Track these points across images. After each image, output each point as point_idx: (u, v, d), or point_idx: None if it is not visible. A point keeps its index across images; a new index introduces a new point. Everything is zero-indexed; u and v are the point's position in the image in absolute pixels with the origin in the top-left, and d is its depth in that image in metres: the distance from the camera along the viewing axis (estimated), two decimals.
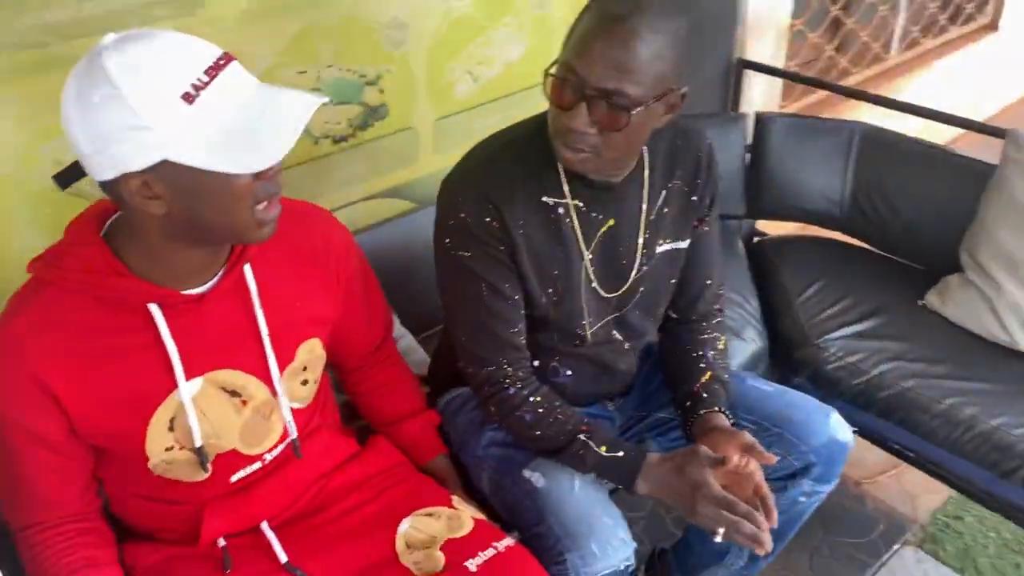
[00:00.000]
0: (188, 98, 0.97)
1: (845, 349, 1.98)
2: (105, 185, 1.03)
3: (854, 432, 1.95)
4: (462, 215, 1.32)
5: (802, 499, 1.54)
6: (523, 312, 1.40)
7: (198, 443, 1.20)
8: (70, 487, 1.22)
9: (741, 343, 2.00)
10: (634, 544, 1.36)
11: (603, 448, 1.34)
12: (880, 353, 1.95)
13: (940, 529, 2.16)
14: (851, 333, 2.02)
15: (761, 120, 2.35)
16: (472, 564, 1.26)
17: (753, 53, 2.77)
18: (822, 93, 3.08)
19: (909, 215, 2.22)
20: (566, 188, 1.36)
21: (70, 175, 1.05)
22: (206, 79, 0.99)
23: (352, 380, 1.53)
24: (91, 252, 1.09)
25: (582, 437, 1.35)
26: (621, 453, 1.34)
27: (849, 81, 3.44)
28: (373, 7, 1.83)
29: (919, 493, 2.25)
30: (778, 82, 2.96)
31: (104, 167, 0.99)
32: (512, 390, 1.38)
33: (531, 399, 1.38)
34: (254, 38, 1.68)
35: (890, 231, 2.26)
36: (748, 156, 2.39)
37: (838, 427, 1.49)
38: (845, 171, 2.30)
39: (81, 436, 1.16)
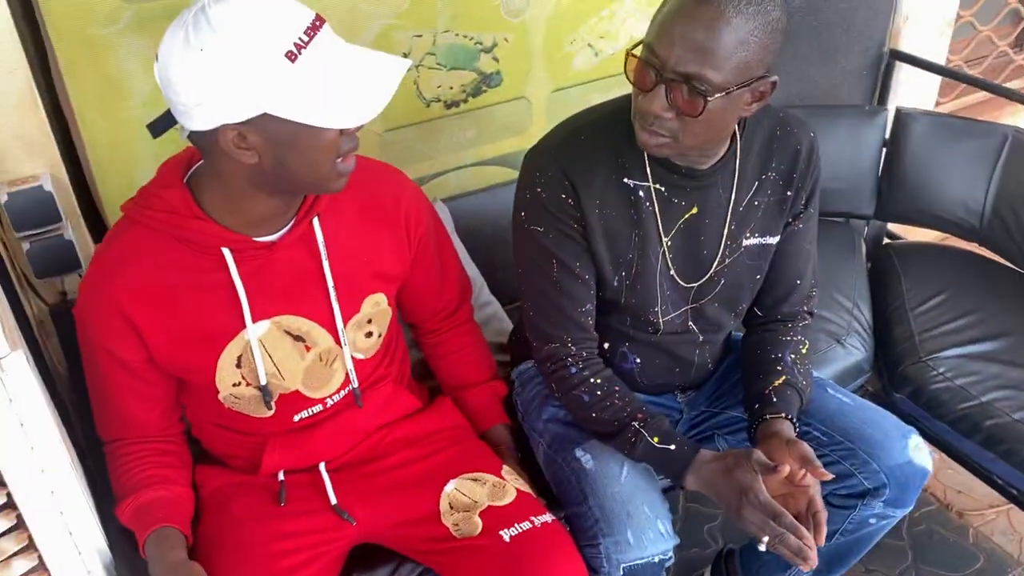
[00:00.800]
0: (291, 56, 1.03)
1: (956, 370, 1.85)
2: (196, 134, 1.09)
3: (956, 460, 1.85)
4: (538, 190, 1.32)
5: (872, 521, 1.46)
6: (593, 292, 1.39)
7: (263, 381, 1.28)
8: (152, 411, 1.33)
9: (841, 350, 1.91)
10: (674, 540, 1.34)
11: (655, 439, 1.32)
12: (994, 379, 1.81)
13: None
14: (966, 353, 1.88)
15: (901, 116, 2.19)
16: (506, 534, 1.28)
17: (910, 44, 2.58)
18: (985, 93, 2.83)
19: None
20: (648, 171, 1.33)
21: (162, 124, 1.13)
22: (306, 39, 1.04)
23: (427, 342, 1.58)
24: (173, 195, 1.17)
25: (636, 425, 1.33)
26: (673, 446, 1.31)
27: None
28: None
29: None
30: (937, 77, 2.74)
31: (203, 118, 1.05)
32: (574, 369, 1.38)
33: (591, 380, 1.38)
34: None
35: None
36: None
37: (917, 451, 1.40)
38: (990, 179, 2.12)
39: (159, 365, 1.26)
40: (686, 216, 1.37)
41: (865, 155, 2.24)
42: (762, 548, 1.23)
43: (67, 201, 1.57)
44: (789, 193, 1.40)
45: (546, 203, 1.32)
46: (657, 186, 1.34)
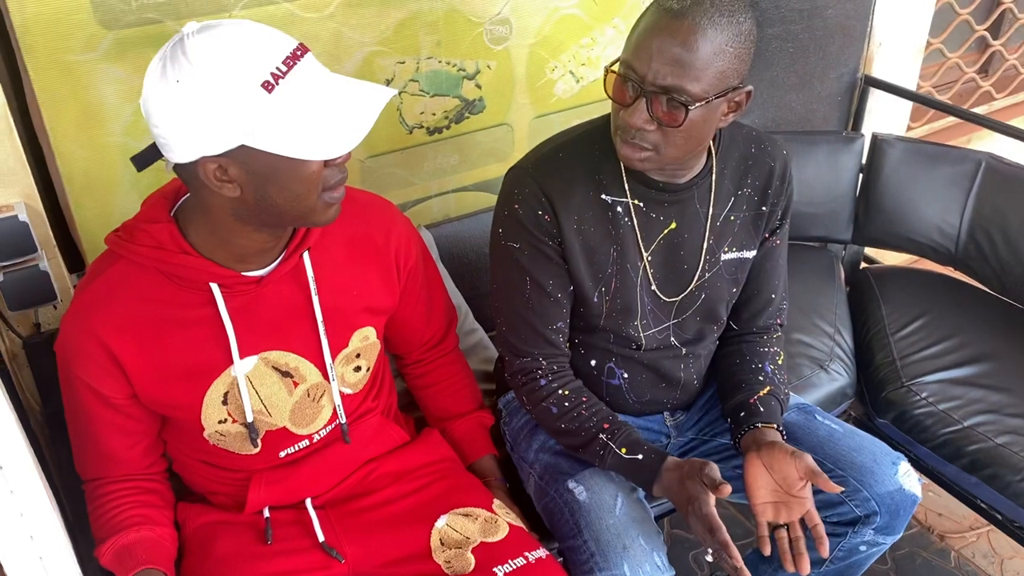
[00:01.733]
0: (268, 87, 1.00)
1: (938, 394, 1.86)
2: (179, 167, 1.07)
3: (939, 484, 1.86)
4: (516, 206, 1.33)
5: (862, 548, 1.46)
6: (566, 311, 1.40)
7: (249, 418, 1.25)
8: (134, 448, 1.29)
9: (825, 376, 1.91)
10: (670, 572, 1.33)
11: (623, 450, 1.34)
12: (976, 403, 1.83)
13: None
14: (948, 378, 1.90)
15: (877, 142, 2.22)
16: (500, 571, 1.26)
17: (882, 71, 2.62)
18: (954, 118, 2.88)
19: None
20: (626, 187, 1.35)
21: (147, 157, 1.10)
22: (284, 69, 1.02)
23: (412, 373, 1.55)
24: (160, 229, 1.14)
25: (603, 437, 1.36)
26: (640, 456, 1.33)
27: (993, 107, 3.22)
28: (477, 3, 1.83)
29: (1010, 555, 2.10)
30: (908, 103, 2.79)
31: (183, 150, 1.03)
32: (543, 381, 1.39)
33: (559, 392, 1.39)
34: (356, 25, 1.71)
35: (1008, 273, 2.10)
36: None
37: (906, 477, 1.40)
38: (964, 204, 2.16)
39: (142, 402, 1.23)
40: (665, 231, 1.38)
41: (842, 180, 2.27)
42: (708, 559, 1.27)
43: (42, 231, 1.52)
44: (764, 209, 1.43)
45: (523, 220, 1.33)
46: (635, 201, 1.35)
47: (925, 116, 3.00)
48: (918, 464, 1.87)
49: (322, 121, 1.04)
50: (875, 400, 1.93)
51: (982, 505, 1.78)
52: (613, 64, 1.23)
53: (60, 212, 1.60)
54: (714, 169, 1.37)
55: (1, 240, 1.45)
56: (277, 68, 1.01)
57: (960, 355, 1.95)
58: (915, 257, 2.35)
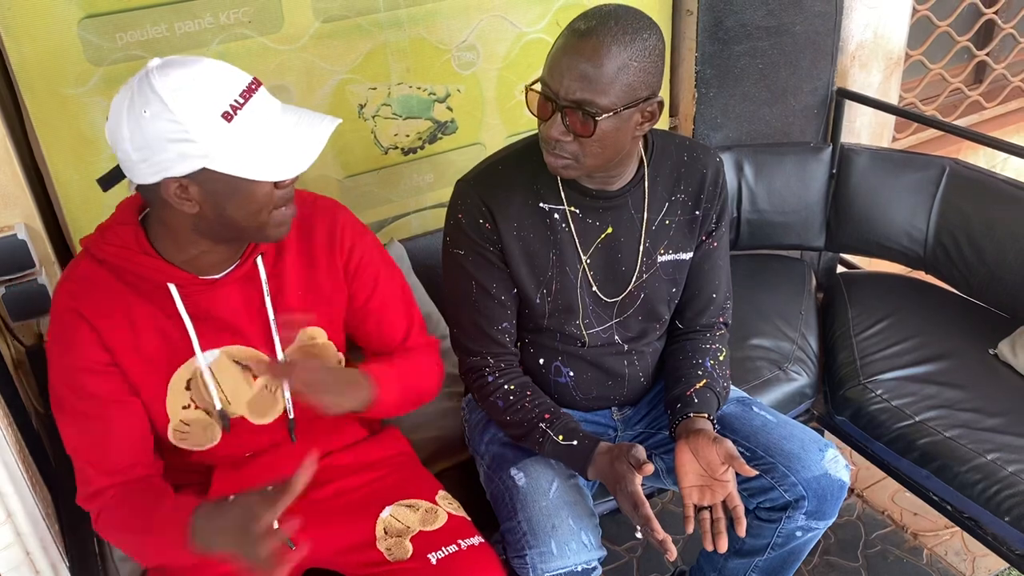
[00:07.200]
0: (227, 117, 1.14)
1: (894, 391, 1.92)
2: (143, 186, 1.20)
3: (899, 481, 1.91)
4: (460, 216, 1.45)
5: (798, 534, 1.53)
6: (511, 312, 1.51)
7: (218, 405, 1.36)
8: (144, 439, 1.34)
9: (783, 376, 1.98)
10: (600, 552, 1.41)
11: (560, 437, 1.44)
12: (930, 399, 1.88)
13: None
14: (904, 376, 1.95)
15: (844, 151, 2.30)
16: (433, 557, 1.35)
17: (861, 83, 2.70)
18: (939, 130, 2.92)
19: (994, 259, 2.11)
20: (563, 195, 1.45)
21: (112, 179, 1.24)
22: (242, 100, 1.15)
23: None
24: (127, 231, 1.27)
25: (542, 426, 1.46)
26: (575, 442, 1.44)
27: (984, 116, 3.25)
28: (443, 31, 1.97)
29: (982, 553, 2.12)
30: (892, 116, 2.85)
31: (148, 172, 1.16)
32: (491, 378, 1.51)
33: (505, 387, 1.50)
34: (328, 55, 1.85)
35: (974, 274, 2.16)
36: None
37: (832, 463, 1.47)
38: (930, 209, 2.22)
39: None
40: (603, 235, 1.48)
41: (812, 189, 2.34)
42: (637, 535, 1.37)
43: (41, 248, 1.68)
44: (698, 213, 1.52)
45: (466, 228, 1.45)
46: (572, 208, 1.45)
47: (910, 128, 3.05)
48: (875, 460, 1.92)
49: (274, 147, 1.17)
50: (834, 398, 1.99)
51: (935, 498, 1.83)
52: (533, 83, 1.35)
53: (60, 230, 1.76)
54: (647, 177, 1.48)
55: (2, 257, 1.61)
56: (235, 100, 1.15)
57: (918, 354, 2.00)
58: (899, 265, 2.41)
